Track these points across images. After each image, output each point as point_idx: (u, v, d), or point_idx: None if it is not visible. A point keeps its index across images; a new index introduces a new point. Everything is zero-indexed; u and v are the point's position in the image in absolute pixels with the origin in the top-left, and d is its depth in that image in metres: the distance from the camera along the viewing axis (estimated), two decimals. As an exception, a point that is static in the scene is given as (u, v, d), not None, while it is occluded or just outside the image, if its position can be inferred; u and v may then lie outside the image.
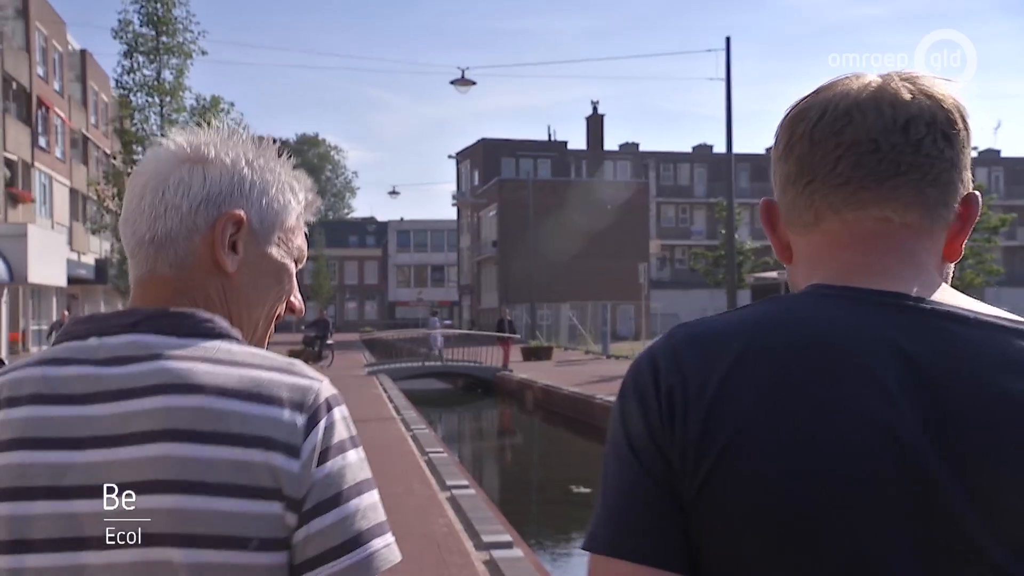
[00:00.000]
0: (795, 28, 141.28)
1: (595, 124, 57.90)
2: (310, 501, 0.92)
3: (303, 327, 31.29)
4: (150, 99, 20.17)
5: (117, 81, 20.83)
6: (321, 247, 61.89)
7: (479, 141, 60.88)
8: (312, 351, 26.72)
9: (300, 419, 0.94)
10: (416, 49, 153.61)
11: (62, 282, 27.18)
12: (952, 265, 0.95)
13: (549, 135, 61.61)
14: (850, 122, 0.89)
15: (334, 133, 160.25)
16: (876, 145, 0.88)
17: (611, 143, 63.14)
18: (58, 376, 0.96)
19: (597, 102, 56.84)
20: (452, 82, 23.20)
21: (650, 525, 0.82)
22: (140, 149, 20.18)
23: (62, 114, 33.96)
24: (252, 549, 0.90)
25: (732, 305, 19.29)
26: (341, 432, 0.97)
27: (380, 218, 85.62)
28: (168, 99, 20.08)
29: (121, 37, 20.21)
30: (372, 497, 0.96)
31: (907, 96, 0.89)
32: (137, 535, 0.90)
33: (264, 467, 0.91)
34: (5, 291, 23.10)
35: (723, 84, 19.36)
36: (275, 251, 1.08)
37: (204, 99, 20.66)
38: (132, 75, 20.33)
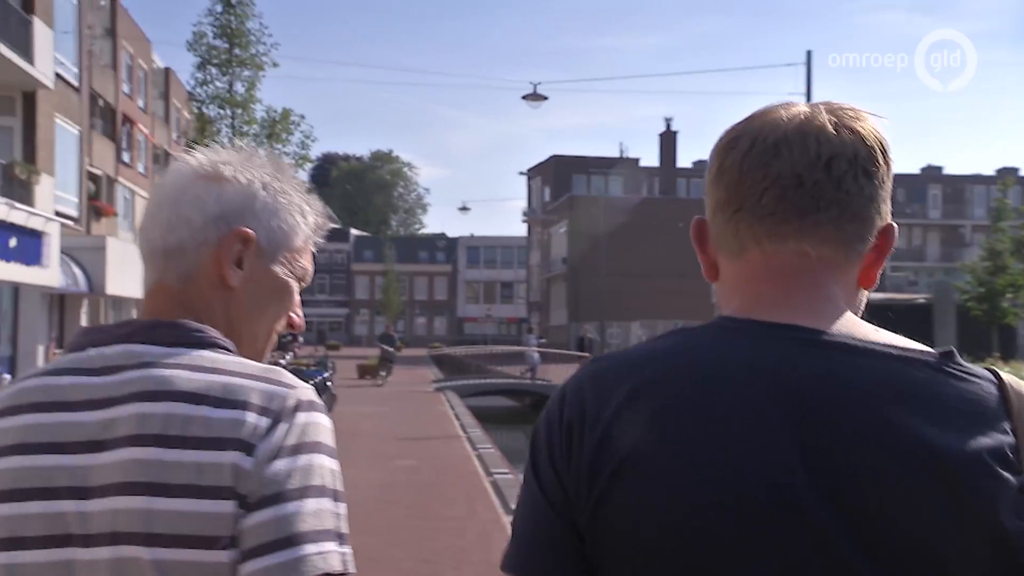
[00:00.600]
0: (873, 45, 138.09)
1: (668, 141, 57.28)
2: (253, 496, 0.94)
3: (377, 340, 31.43)
4: (222, 111, 20.34)
5: (190, 94, 21.09)
6: (391, 262, 62.36)
7: (550, 158, 60.77)
8: (387, 364, 26.76)
9: (264, 421, 0.96)
10: (488, 68, 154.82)
11: (138, 294, 27.49)
12: (866, 292, 0.98)
13: (621, 152, 61.22)
14: (777, 155, 0.91)
15: (407, 150, 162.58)
16: (800, 180, 0.91)
17: (684, 160, 62.54)
18: (56, 385, 1.02)
19: (671, 119, 56.20)
20: (524, 97, 23.06)
21: (550, 550, 0.88)
22: None
23: (145, 130, 34.93)
24: (217, 548, 0.93)
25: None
26: (304, 435, 0.98)
27: (450, 234, 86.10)
28: (240, 111, 20.21)
29: (195, 50, 20.44)
30: (320, 504, 0.96)
31: (832, 131, 0.92)
32: (110, 534, 0.95)
33: (220, 467, 0.94)
34: (85, 302, 23.73)
35: (803, 100, 18.75)
36: (279, 270, 1.13)
37: (275, 111, 20.80)
38: (205, 87, 20.53)
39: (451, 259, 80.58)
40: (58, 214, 20.70)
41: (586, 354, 25.94)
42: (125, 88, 32.44)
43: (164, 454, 0.95)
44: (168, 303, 1.08)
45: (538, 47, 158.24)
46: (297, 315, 1.17)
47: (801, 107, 0.95)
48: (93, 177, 27.78)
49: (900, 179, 57.48)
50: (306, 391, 1.01)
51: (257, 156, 1.16)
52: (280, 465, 0.95)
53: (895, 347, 0.87)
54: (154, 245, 1.09)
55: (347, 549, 0.97)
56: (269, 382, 1.00)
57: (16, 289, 19.42)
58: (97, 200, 27.94)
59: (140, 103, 34.90)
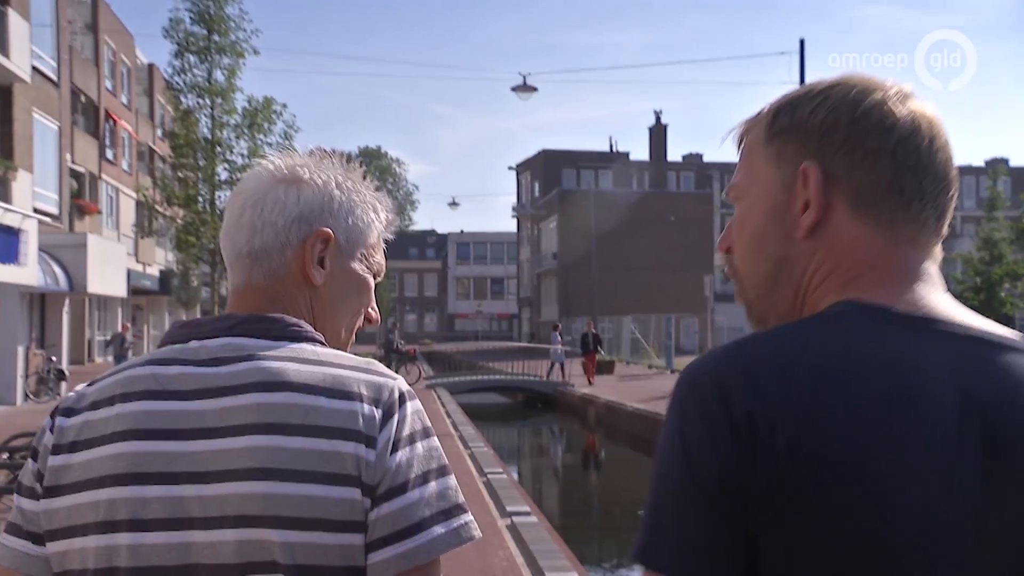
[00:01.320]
0: (867, 39, 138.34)
1: (658, 135, 56.98)
2: (381, 487, 1.00)
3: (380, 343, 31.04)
4: (201, 101, 19.72)
5: (167, 82, 20.49)
6: (381, 259, 61.79)
7: (539, 152, 60.51)
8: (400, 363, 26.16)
9: (377, 413, 1.02)
10: (478, 63, 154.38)
11: (122, 292, 27.14)
12: None
13: (611, 146, 60.92)
14: (939, 149, 0.94)
15: (395, 146, 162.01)
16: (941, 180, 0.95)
17: (674, 154, 62.27)
18: (166, 375, 1.06)
19: (660, 112, 55.84)
20: (513, 88, 22.70)
21: (721, 556, 0.81)
22: (190, 152, 19.78)
23: (129, 127, 34.40)
24: (344, 531, 0.98)
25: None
26: (413, 424, 1.05)
27: (440, 230, 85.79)
28: (219, 100, 19.56)
29: (172, 36, 19.78)
30: (442, 484, 1.03)
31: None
32: (234, 517, 0.99)
33: (345, 456, 0.99)
34: (67, 301, 23.21)
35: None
36: (358, 266, 1.18)
37: (256, 101, 20.22)
38: (183, 76, 19.91)
39: (441, 255, 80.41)
40: (37, 211, 20.19)
41: (596, 351, 25.35)
42: (108, 84, 31.92)
43: (288, 441, 0.99)
44: (260, 300, 1.13)
45: (528, 43, 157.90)
46: (374, 310, 1.23)
47: (915, 100, 0.94)
48: (76, 175, 27.29)
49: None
50: (403, 381, 1.07)
51: (328, 158, 1.20)
52: (401, 456, 1.02)
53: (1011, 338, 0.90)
54: (240, 248, 1.14)
55: (471, 516, 1.05)
56: (372, 373, 1.06)
57: (-6, 288, 18.93)
58: (80, 198, 27.45)
59: (123, 99, 34.36)
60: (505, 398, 28.79)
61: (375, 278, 1.21)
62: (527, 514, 8.13)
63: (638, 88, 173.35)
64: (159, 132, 39.45)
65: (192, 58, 19.72)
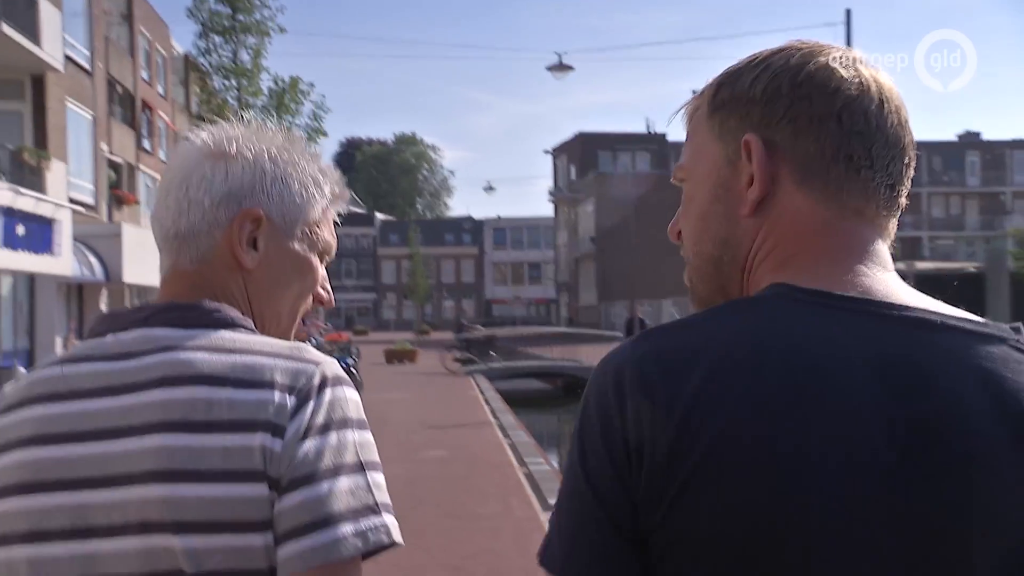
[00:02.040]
0: (908, 15, 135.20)
1: (696, 115, 55.91)
2: (285, 479, 0.92)
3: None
4: (227, 82, 19.29)
5: (192, 63, 20.11)
6: (417, 246, 61.71)
7: (575, 135, 59.97)
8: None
9: (290, 400, 0.94)
10: (514, 46, 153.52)
11: (157, 282, 27.06)
12: None
13: (648, 128, 60.12)
14: (885, 117, 0.88)
15: (431, 133, 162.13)
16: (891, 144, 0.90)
17: (712, 134, 60.99)
18: (73, 373, 1.00)
19: (697, 91, 54.81)
20: (549, 68, 22.18)
21: (603, 554, 0.79)
22: None
23: (165, 117, 34.45)
24: (250, 532, 0.91)
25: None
26: (331, 412, 0.96)
27: (476, 216, 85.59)
28: (245, 82, 19.13)
29: (196, 16, 19.39)
30: (357, 480, 0.94)
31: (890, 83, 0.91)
32: (137, 524, 0.92)
33: (249, 450, 0.92)
34: (104, 291, 23.20)
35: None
36: (297, 246, 1.10)
37: (283, 81, 19.71)
38: (208, 57, 19.49)
39: (477, 241, 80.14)
40: (73, 201, 20.13)
41: (628, 335, 24.68)
42: (144, 74, 31.95)
43: (190, 439, 0.93)
44: (185, 286, 1.06)
45: (563, 25, 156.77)
46: (325, 290, 1.14)
47: (863, 65, 0.89)
48: (114, 165, 27.33)
49: (936, 147, 55.97)
50: (331, 365, 0.99)
51: (265, 128, 1.13)
52: (310, 445, 0.93)
53: (967, 320, 0.84)
54: (166, 230, 1.07)
55: (390, 519, 0.95)
56: (293, 359, 0.98)
57: (32, 279, 18.92)
58: (118, 188, 27.49)
59: (159, 89, 34.40)
60: (545, 384, 28.44)
61: (322, 257, 1.13)
62: (571, 507, 7.73)
63: (675, 67, 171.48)
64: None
65: (217, 38, 19.27)
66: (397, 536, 0.95)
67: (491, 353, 26.00)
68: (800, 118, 0.86)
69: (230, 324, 1.02)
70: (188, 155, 1.08)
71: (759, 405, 0.76)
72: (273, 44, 18.46)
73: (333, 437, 0.94)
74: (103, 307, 23.02)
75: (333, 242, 1.15)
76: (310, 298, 1.13)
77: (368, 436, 0.98)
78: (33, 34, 18.19)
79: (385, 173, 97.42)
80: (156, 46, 33.77)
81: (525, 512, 7.67)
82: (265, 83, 19.49)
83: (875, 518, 0.76)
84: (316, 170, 1.12)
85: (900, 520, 0.76)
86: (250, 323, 1.04)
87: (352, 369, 17.27)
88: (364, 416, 0.99)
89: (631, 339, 0.84)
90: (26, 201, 16.16)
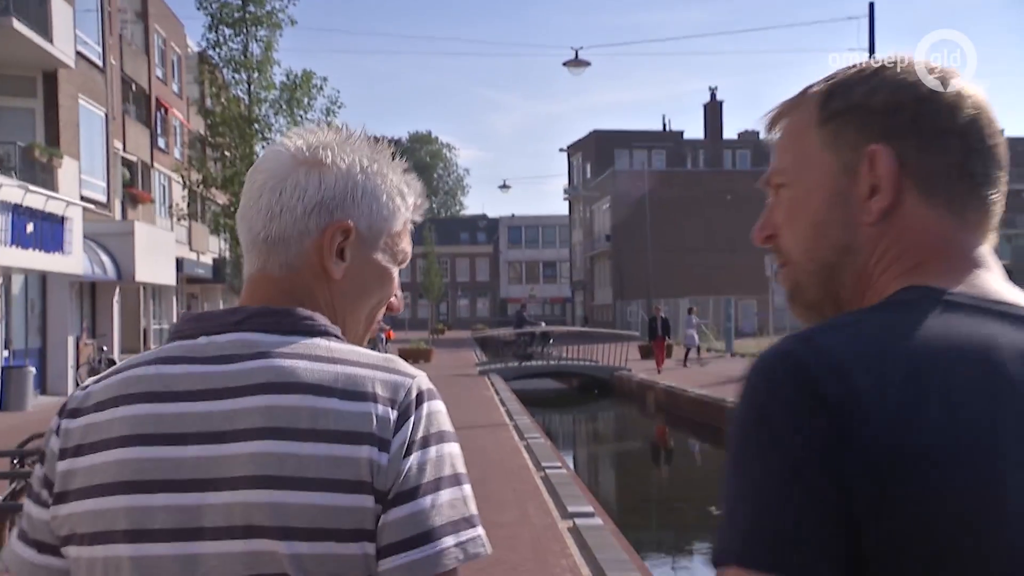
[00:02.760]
0: (929, 10, 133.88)
1: (713, 112, 55.52)
2: (392, 492, 0.95)
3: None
4: (236, 75, 18.78)
5: (201, 56, 19.71)
6: (432, 244, 61.37)
7: (591, 133, 59.61)
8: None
9: (392, 414, 0.97)
10: (529, 44, 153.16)
11: (171, 281, 26.90)
12: None
13: (664, 125, 59.62)
14: (997, 132, 0.93)
15: (446, 131, 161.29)
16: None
17: (730, 132, 60.56)
18: (170, 374, 1.00)
19: (715, 88, 54.56)
20: (565, 63, 21.84)
21: (820, 545, 0.76)
22: (225, 130, 18.91)
23: (180, 115, 34.33)
24: (355, 541, 0.94)
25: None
26: (428, 427, 0.99)
27: (491, 215, 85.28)
28: (256, 75, 18.60)
29: (206, 7, 18.84)
30: (455, 492, 0.97)
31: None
32: (242, 528, 0.94)
33: (356, 461, 0.94)
34: (117, 290, 23.03)
35: (864, 57, 17.33)
36: (381, 256, 1.12)
37: (295, 75, 19.12)
38: (217, 49, 18.96)
39: (492, 240, 79.88)
40: (84, 199, 19.96)
41: (664, 337, 23.85)
42: (158, 72, 31.83)
43: (296, 447, 0.94)
44: (273, 291, 1.07)
45: (580, 23, 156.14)
46: (397, 297, 1.16)
47: (961, 80, 0.92)
48: (128, 164, 27.21)
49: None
50: (424, 379, 1.02)
51: (353, 137, 1.13)
52: (413, 460, 0.96)
53: None
54: (255, 233, 1.08)
55: (482, 530, 0.99)
56: (390, 371, 1.00)
57: (43, 278, 18.76)
58: (133, 187, 27.37)
59: (174, 88, 34.29)
60: (560, 383, 28.12)
61: (399, 266, 1.15)
62: (591, 515, 7.42)
63: (691, 66, 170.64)
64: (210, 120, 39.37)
65: (227, 30, 18.76)
66: (488, 546, 0.98)
67: (548, 346, 25.38)
68: (925, 132, 0.88)
69: (323, 332, 1.03)
70: (281, 160, 1.09)
71: (961, 408, 0.78)
72: (289, 41, 18.30)
73: (433, 451, 0.97)
74: (116, 306, 22.88)
75: (409, 251, 1.16)
76: (384, 306, 1.15)
77: (458, 448, 1.01)
78: (45, 30, 18.02)
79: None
80: (171, 44, 33.65)
81: (543, 520, 7.38)
82: (277, 77, 19.06)
83: None
84: (402, 182, 1.13)
85: None
86: (339, 331, 1.05)
87: None
88: (454, 428, 1.01)
89: (795, 336, 0.83)
90: (36, 199, 15.97)
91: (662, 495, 13.07)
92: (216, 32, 18.58)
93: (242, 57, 18.47)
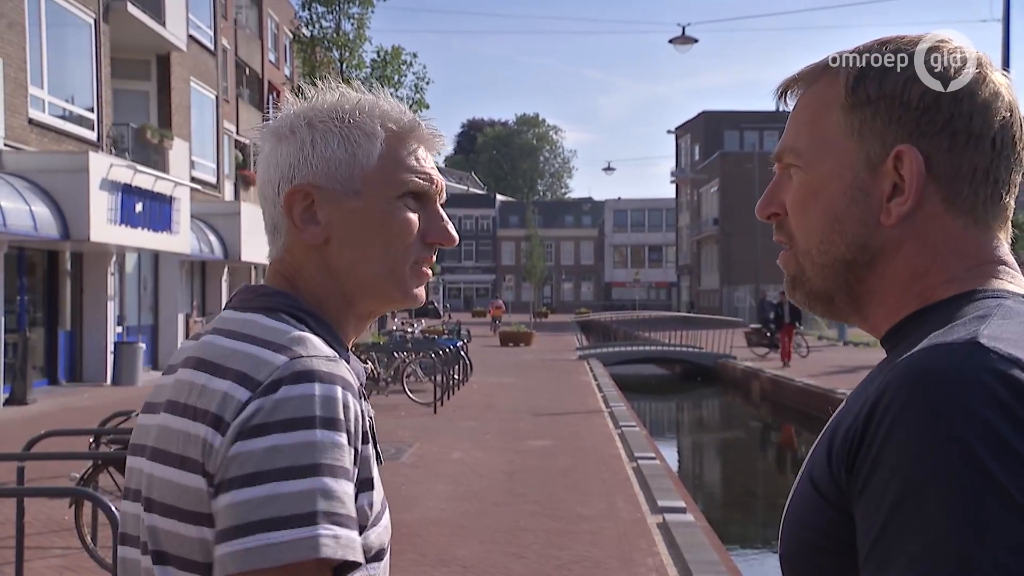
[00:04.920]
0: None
1: (829, 91, 53.18)
2: (219, 477, 0.90)
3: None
4: (329, 54, 18.80)
5: (295, 35, 19.81)
6: (535, 227, 61.25)
7: (700, 114, 58.18)
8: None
9: (243, 395, 0.91)
10: (639, 22, 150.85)
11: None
12: None
13: (777, 105, 57.50)
14: None
15: (553, 114, 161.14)
16: None
17: (847, 111, 57.90)
18: (180, 350, 1.04)
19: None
20: (671, 40, 21.13)
21: None
22: None
23: (291, 98, 35.04)
24: (192, 523, 0.91)
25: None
26: (279, 412, 0.89)
27: (597, 198, 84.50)
28: (348, 53, 18.46)
29: None
30: (286, 486, 0.87)
31: None
32: (134, 491, 1.00)
33: (197, 439, 0.92)
34: (225, 269, 23.65)
35: (999, 27, 16.14)
36: (363, 201, 1.05)
37: (384, 51, 19.07)
38: (310, 28, 18.98)
39: (597, 223, 79.15)
40: (195, 180, 20.49)
41: (795, 324, 21.43)
42: (271, 56, 32.53)
43: (171, 420, 0.95)
44: (270, 273, 1.09)
45: (688, 2, 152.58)
46: (441, 229, 1.08)
47: (1003, 75, 0.89)
48: (241, 146, 27.93)
49: None
50: (308, 361, 0.92)
51: (323, 93, 1.08)
52: (250, 445, 0.88)
53: None
54: (265, 225, 1.10)
55: (339, 531, 0.87)
56: (269, 348, 0.94)
57: (156, 257, 19.36)
58: (245, 169, 28.11)
59: (286, 71, 35.02)
60: (662, 370, 27.52)
61: (417, 198, 1.06)
62: (682, 511, 7.01)
63: (805, 40, 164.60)
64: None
65: (320, 8, 18.85)
66: (350, 552, 0.87)
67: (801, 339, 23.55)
68: (959, 135, 0.85)
69: (274, 309, 1.00)
70: (263, 150, 1.08)
71: None
72: (390, 24, 17.84)
73: (271, 439, 0.88)
74: (224, 285, 23.49)
75: (422, 175, 1.06)
76: (414, 249, 1.06)
77: (326, 437, 0.89)
78: (158, 14, 18.53)
79: (506, 154, 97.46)
80: (284, 29, 34.34)
81: (632, 514, 7.02)
82: (368, 54, 19.02)
83: None
84: (365, 115, 1.05)
85: None
86: (310, 308, 1.02)
87: (461, 352, 16.90)
88: (330, 415, 0.89)
89: (966, 339, 0.75)
90: (145, 179, 16.42)
91: (765, 490, 12.46)
92: (309, 10, 18.68)
93: (334, 35, 18.48)
